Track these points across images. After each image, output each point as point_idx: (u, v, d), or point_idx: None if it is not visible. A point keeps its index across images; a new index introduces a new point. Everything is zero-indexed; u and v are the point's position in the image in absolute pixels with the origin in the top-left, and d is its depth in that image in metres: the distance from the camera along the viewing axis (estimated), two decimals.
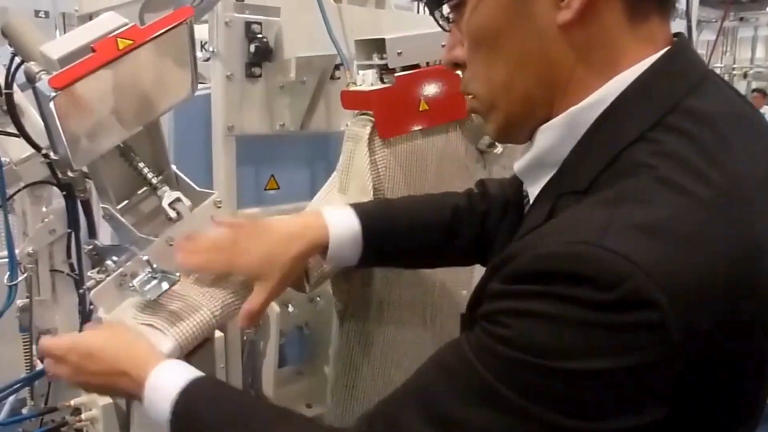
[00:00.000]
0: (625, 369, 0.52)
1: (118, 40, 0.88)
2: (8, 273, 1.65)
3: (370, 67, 1.17)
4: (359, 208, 1.00)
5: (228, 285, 0.99)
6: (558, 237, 0.57)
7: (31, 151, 1.45)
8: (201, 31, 1.30)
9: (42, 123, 0.90)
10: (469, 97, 0.75)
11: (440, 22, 0.78)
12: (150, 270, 0.97)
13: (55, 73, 0.85)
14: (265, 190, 1.57)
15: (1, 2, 2.72)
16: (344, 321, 1.19)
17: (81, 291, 1.71)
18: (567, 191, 0.64)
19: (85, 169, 1.09)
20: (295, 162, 1.62)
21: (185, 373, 0.81)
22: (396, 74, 1.14)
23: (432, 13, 0.80)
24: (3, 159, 1.58)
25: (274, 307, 1.14)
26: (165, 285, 0.95)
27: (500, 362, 0.57)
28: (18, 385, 1.67)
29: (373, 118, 1.14)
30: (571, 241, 0.55)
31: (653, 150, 0.59)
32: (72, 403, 1.27)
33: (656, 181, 0.57)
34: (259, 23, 1.39)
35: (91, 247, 1.06)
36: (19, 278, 1.69)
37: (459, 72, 0.77)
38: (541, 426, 0.55)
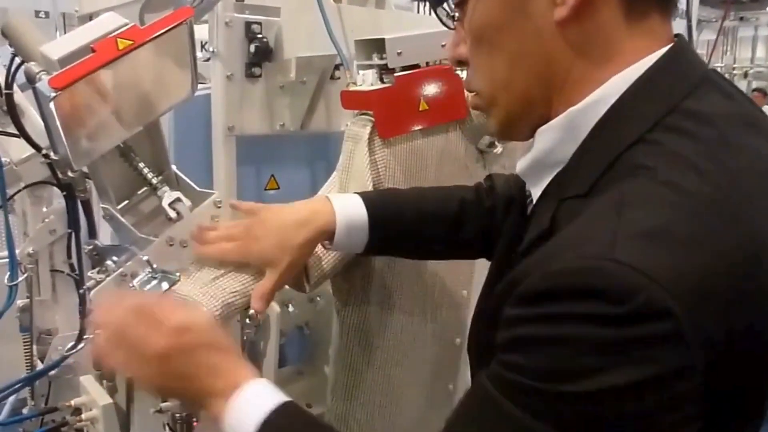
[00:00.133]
0: (648, 381, 0.51)
1: (118, 40, 0.88)
2: (8, 273, 1.65)
3: (370, 67, 1.16)
4: (366, 196, 1.01)
5: (235, 280, 0.99)
6: (566, 253, 0.57)
7: (31, 151, 1.45)
8: (201, 31, 1.30)
9: (42, 123, 0.90)
10: (473, 94, 0.76)
11: (444, 20, 0.79)
12: (150, 270, 0.97)
13: (55, 73, 0.85)
14: (266, 190, 1.58)
15: (1, 2, 2.72)
16: (344, 321, 1.19)
17: (81, 291, 1.71)
18: (568, 196, 0.64)
19: (85, 169, 1.09)
20: (295, 162, 1.62)
21: (269, 400, 0.75)
22: (396, 74, 1.14)
23: (435, 11, 0.81)
24: (3, 159, 1.58)
25: (274, 307, 1.14)
26: (165, 285, 0.95)
27: (524, 394, 0.56)
28: (18, 385, 1.67)
29: (372, 118, 1.14)
30: (579, 256, 0.55)
31: (652, 151, 0.59)
32: (72, 403, 1.27)
33: (656, 183, 0.56)
34: (259, 23, 1.39)
35: (91, 247, 1.06)
36: (20, 278, 1.70)
37: (461, 70, 0.78)
38: None
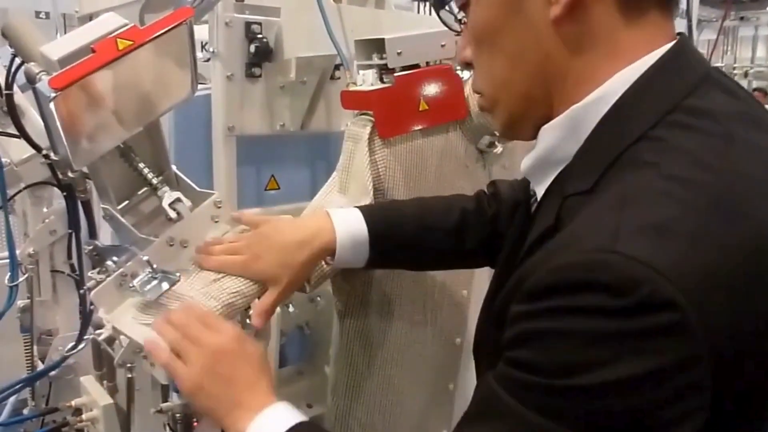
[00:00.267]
0: (653, 372, 0.52)
1: (118, 40, 0.88)
2: (9, 274, 1.65)
3: (370, 67, 1.16)
4: (367, 211, 1.02)
5: (235, 281, 0.99)
6: (570, 248, 0.57)
7: (31, 151, 1.45)
8: (201, 32, 1.30)
9: (42, 124, 0.90)
10: (478, 95, 0.77)
11: (447, 23, 0.82)
12: (150, 270, 0.97)
13: (55, 73, 0.85)
14: (266, 190, 1.57)
15: (2, 3, 2.72)
16: (344, 321, 1.19)
17: (81, 291, 1.71)
18: (572, 193, 0.65)
19: (85, 169, 1.09)
20: (295, 162, 1.62)
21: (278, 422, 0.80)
22: (396, 74, 1.14)
23: (438, 13, 0.83)
24: (4, 160, 1.58)
25: None
26: (165, 285, 0.95)
27: (530, 391, 0.56)
28: (19, 386, 1.67)
29: (372, 118, 1.14)
30: (583, 250, 0.55)
31: (655, 147, 0.60)
32: (73, 403, 1.27)
33: (659, 178, 0.57)
34: (259, 23, 1.39)
35: (91, 247, 1.06)
36: (20, 279, 1.70)
37: (466, 71, 0.79)
38: None
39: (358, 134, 1.16)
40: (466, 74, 1.27)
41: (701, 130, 0.60)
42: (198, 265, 1.01)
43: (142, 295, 0.96)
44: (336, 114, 1.56)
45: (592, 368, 0.53)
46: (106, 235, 1.55)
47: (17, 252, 1.68)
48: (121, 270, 0.97)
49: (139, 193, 1.07)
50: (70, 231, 1.68)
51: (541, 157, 0.71)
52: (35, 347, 1.84)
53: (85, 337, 1.68)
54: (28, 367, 1.81)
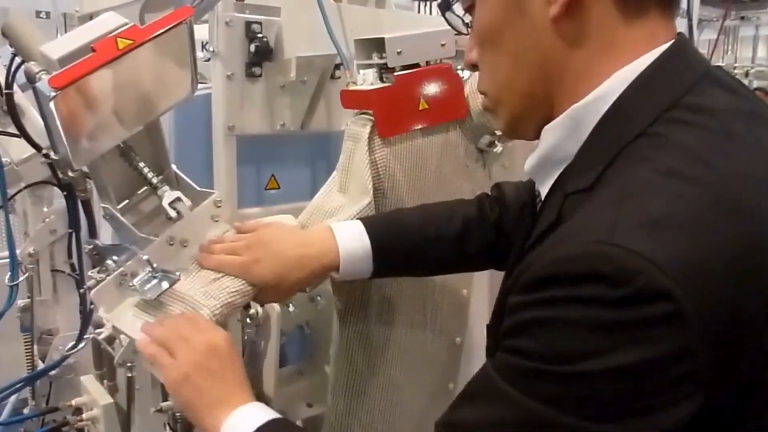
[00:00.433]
0: (649, 361, 0.52)
1: (118, 39, 0.88)
2: (9, 273, 1.65)
3: (370, 66, 1.16)
4: (369, 224, 1.02)
5: (235, 280, 0.99)
6: (568, 241, 0.58)
7: (31, 151, 1.45)
8: (202, 31, 1.30)
9: (42, 123, 0.90)
10: (483, 96, 0.79)
11: (454, 25, 0.83)
12: (150, 269, 0.97)
13: (55, 73, 0.85)
14: (266, 189, 1.57)
15: (2, 2, 2.73)
16: (344, 320, 1.19)
17: (82, 291, 1.71)
18: (573, 190, 0.66)
19: (85, 169, 1.09)
20: (295, 162, 1.61)
21: (253, 419, 0.82)
22: (396, 73, 1.14)
23: (444, 15, 0.85)
24: (4, 159, 1.58)
25: (275, 307, 1.14)
26: (165, 284, 0.95)
27: (525, 377, 0.57)
28: (19, 385, 1.68)
29: (372, 118, 1.14)
30: (581, 242, 0.56)
31: (654, 143, 0.61)
32: (73, 403, 1.27)
33: (657, 173, 0.58)
34: (260, 23, 1.39)
35: (91, 246, 1.06)
36: (21, 278, 1.70)
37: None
38: None
39: (358, 133, 1.16)
40: (466, 74, 1.27)
41: (700, 125, 0.61)
42: (198, 264, 1.01)
43: (142, 294, 0.96)
44: (336, 113, 1.55)
45: (590, 356, 0.54)
46: (106, 235, 1.55)
47: (17, 251, 1.68)
48: (121, 269, 0.97)
49: (139, 192, 1.07)
50: (70, 230, 1.68)
51: (543, 156, 0.72)
52: (35, 347, 1.84)
53: (86, 336, 1.68)
54: (28, 366, 1.81)
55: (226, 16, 1.36)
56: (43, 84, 0.83)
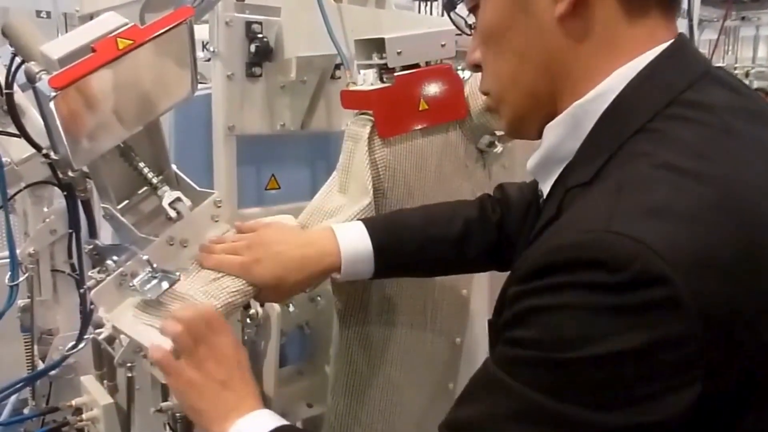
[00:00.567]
0: (647, 346, 0.53)
1: (118, 40, 0.88)
2: (9, 273, 1.65)
3: (370, 66, 1.16)
4: (370, 226, 1.02)
5: (235, 280, 0.99)
6: (566, 230, 0.59)
7: (32, 151, 1.45)
8: (202, 31, 1.30)
9: (42, 123, 0.90)
10: (486, 96, 0.79)
11: (459, 26, 0.84)
12: (150, 269, 0.97)
13: (55, 73, 0.85)
14: (266, 189, 1.57)
15: (2, 2, 2.73)
16: (344, 320, 1.19)
17: (82, 291, 1.71)
18: (574, 185, 0.66)
19: (85, 169, 1.09)
20: (295, 162, 1.61)
21: (261, 426, 0.83)
22: (396, 74, 1.14)
23: (449, 15, 0.85)
24: (4, 159, 1.59)
25: (275, 307, 1.14)
26: (165, 284, 0.95)
27: (525, 367, 0.58)
28: (19, 385, 1.68)
29: (372, 118, 1.14)
30: (579, 230, 0.57)
31: (653, 138, 0.61)
32: (73, 403, 1.27)
33: (653, 167, 0.58)
34: (260, 23, 1.39)
35: (91, 246, 1.06)
36: (21, 278, 1.70)
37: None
38: (579, 423, 0.55)
39: (358, 134, 1.16)
40: (466, 74, 1.27)
41: (698, 121, 0.61)
42: (198, 264, 1.01)
43: (142, 294, 0.96)
44: (336, 113, 1.55)
45: (589, 342, 0.54)
46: (106, 235, 1.55)
47: (18, 251, 1.68)
48: (121, 269, 0.97)
49: (139, 192, 1.07)
50: (70, 230, 1.69)
51: (545, 155, 0.73)
52: (36, 347, 1.84)
53: (86, 336, 1.69)
54: (28, 366, 1.81)
55: (226, 16, 1.36)
56: (43, 84, 0.84)
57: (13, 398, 1.81)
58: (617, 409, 0.54)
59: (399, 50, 1.12)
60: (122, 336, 0.96)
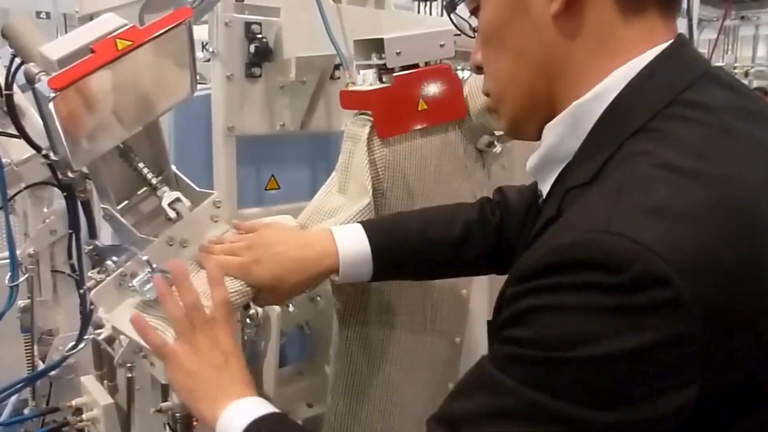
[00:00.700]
0: (647, 347, 0.53)
1: (118, 40, 0.88)
2: (9, 274, 1.65)
3: (369, 66, 1.17)
4: (370, 228, 1.02)
5: (235, 280, 0.99)
6: (566, 230, 0.59)
7: (31, 152, 1.45)
8: (201, 32, 1.30)
9: (42, 124, 0.91)
10: (487, 97, 0.79)
11: (458, 26, 0.85)
12: (150, 270, 0.97)
13: (54, 74, 0.85)
14: (266, 190, 1.57)
15: (2, 3, 2.73)
16: (344, 320, 1.19)
17: (82, 291, 1.71)
18: (574, 185, 0.66)
19: (85, 169, 1.09)
20: (295, 162, 1.62)
21: (253, 411, 0.83)
22: (395, 74, 1.14)
23: (449, 16, 0.86)
24: (4, 160, 1.59)
25: (275, 307, 1.15)
26: None
27: (521, 365, 0.58)
28: (20, 386, 1.68)
29: (371, 118, 1.14)
30: (579, 230, 0.57)
31: (653, 138, 0.61)
32: (73, 403, 1.27)
33: (653, 167, 0.58)
34: (259, 23, 1.39)
35: (91, 247, 1.06)
36: (21, 279, 1.70)
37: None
38: (577, 422, 0.55)
39: (357, 134, 1.16)
40: (465, 74, 1.27)
41: (698, 121, 0.61)
42: (198, 264, 1.01)
43: (142, 294, 0.96)
44: (336, 114, 1.56)
45: (587, 342, 0.54)
46: (106, 235, 1.56)
47: (18, 252, 1.68)
48: (120, 270, 0.98)
49: (139, 193, 1.07)
50: (70, 231, 1.69)
51: (545, 155, 0.73)
52: (36, 347, 1.84)
53: (86, 336, 1.69)
54: (28, 366, 1.81)
55: (225, 17, 1.36)
56: (42, 85, 0.84)
57: (13, 398, 1.81)
58: (616, 408, 0.54)
59: (398, 50, 1.12)
60: (122, 336, 0.97)
